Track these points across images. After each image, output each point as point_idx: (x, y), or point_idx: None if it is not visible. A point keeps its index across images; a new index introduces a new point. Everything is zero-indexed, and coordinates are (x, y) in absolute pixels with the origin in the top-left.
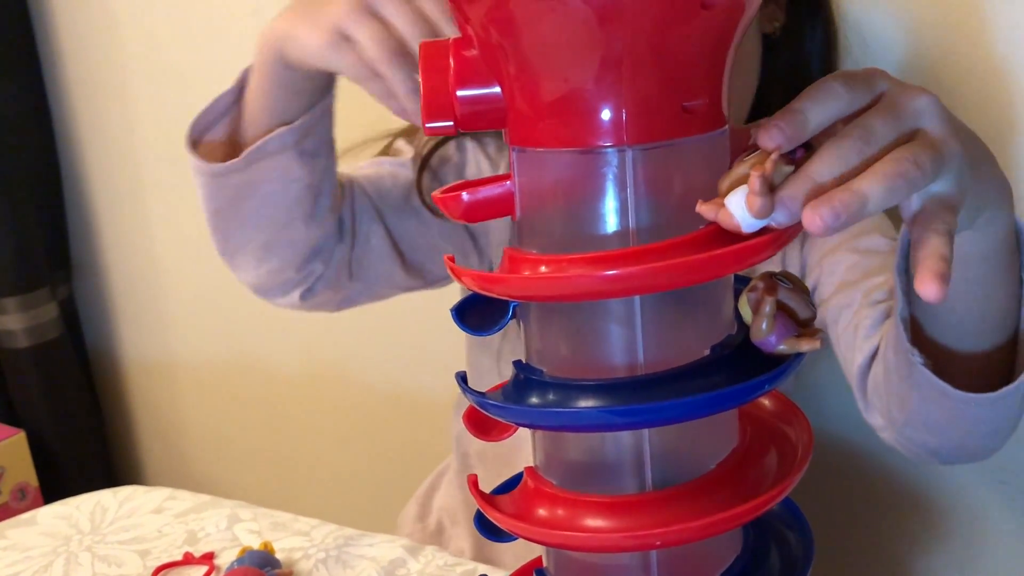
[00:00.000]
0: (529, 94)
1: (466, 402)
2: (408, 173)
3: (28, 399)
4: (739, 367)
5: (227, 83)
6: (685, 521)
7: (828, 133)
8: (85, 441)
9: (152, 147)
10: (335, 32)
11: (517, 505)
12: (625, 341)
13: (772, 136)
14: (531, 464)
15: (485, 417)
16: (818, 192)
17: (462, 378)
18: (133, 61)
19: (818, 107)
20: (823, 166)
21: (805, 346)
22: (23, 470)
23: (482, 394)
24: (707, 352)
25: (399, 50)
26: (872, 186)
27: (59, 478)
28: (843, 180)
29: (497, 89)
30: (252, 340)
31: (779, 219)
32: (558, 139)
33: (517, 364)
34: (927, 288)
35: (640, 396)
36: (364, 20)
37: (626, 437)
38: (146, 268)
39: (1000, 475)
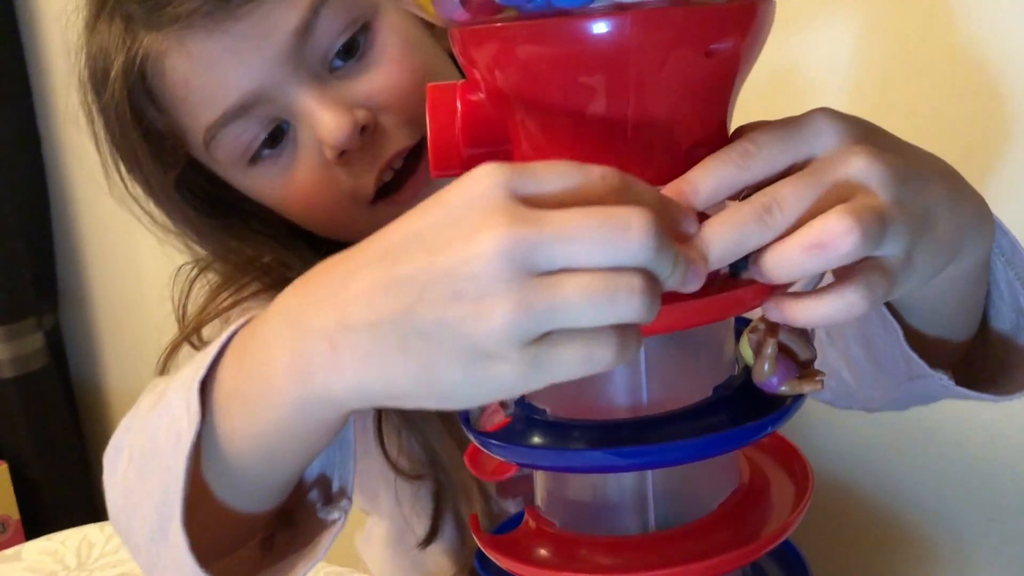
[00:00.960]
0: (536, 140)
1: None
2: None
3: (11, 430)
4: (741, 408)
5: None
6: (689, 562)
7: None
8: (68, 473)
9: None
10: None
11: (518, 545)
12: (629, 382)
13: (688, 195)
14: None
15: (485, 456)
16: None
17: (464, 419)
18: None
19: (709, 180)
20: (719, 245)
21: (807, 388)
22: (4, 503)
23: (484, 433)
24: (710, 393)
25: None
26: (784, 256)
27: (41, 511)
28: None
29: (503, 132)
30: None
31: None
32: None
33: (519, 404)
34: (770, 309)
35: (644, 438)
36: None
37: (629, 478)
38: (134, 298)
39: (990, 513)
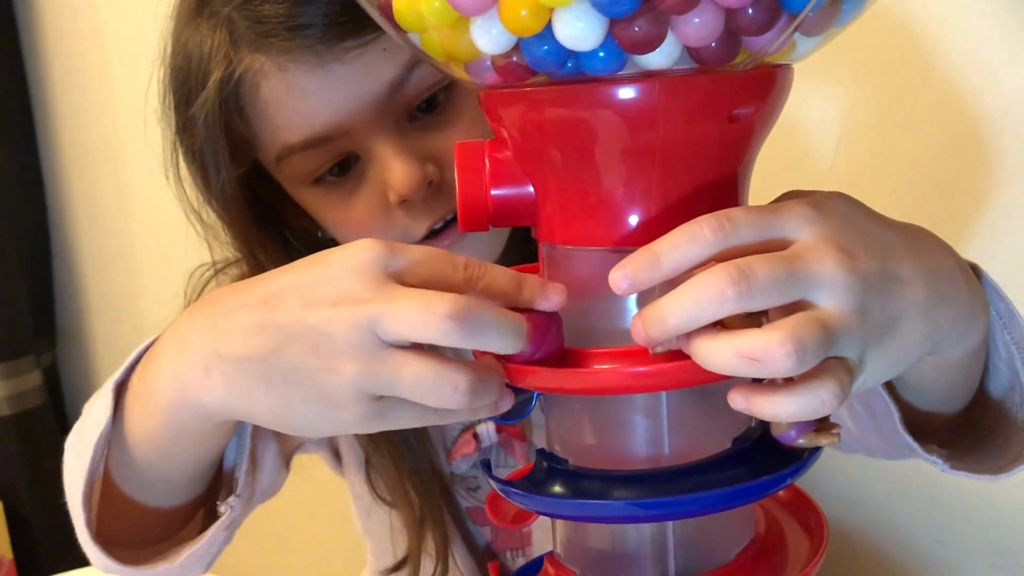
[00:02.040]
0: (562, 197)
1: None
2: None
3: (7, 468)
4: (760, 460)
5: None
6: None
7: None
8: (63, 513)
9: (144, 217)
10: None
11: None
12: (651, 433)
13: (617, 283)
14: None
15: (505, 503)
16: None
17: (487, 466)
18: (128, 131)
19: (673, 251)
20: (682, 301)
21: (824, 441)
22: None
23: (507, 482)
24: (729, 444)
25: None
26: (720, 359)
27: (34, 550)
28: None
29: (530, 189)
30: None
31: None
32: (589, 238)
33: (540, 452)
34: (733, 398)
35: (666, 489)
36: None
37: (649, 527)
38: (133, 337)
39: (992, 559)
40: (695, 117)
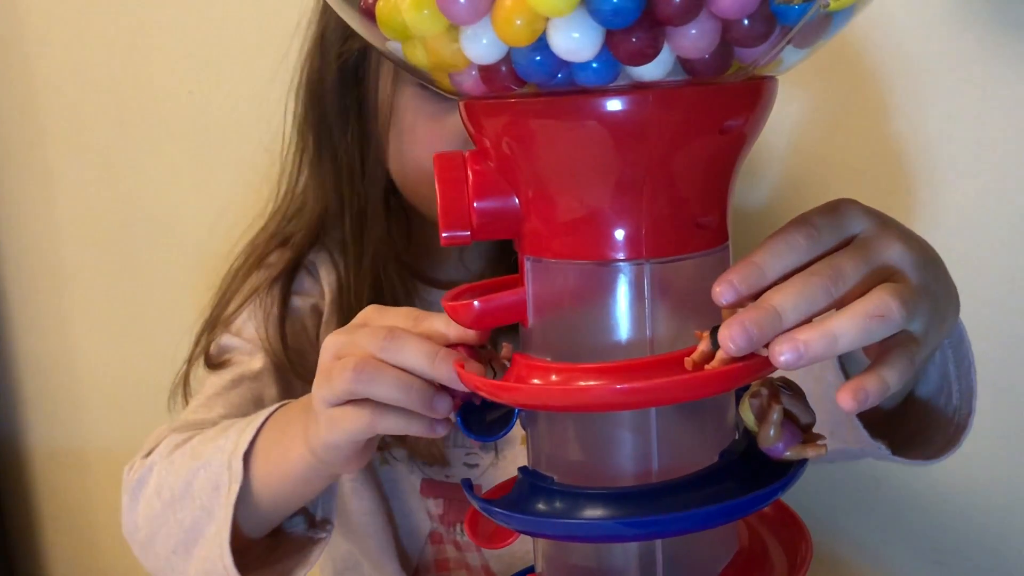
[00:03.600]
0: (549, 210)
1: None
2: (264, 386)
3: None
4: (747, 474)
5: (155, 166)
6: None
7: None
8: None
9: (72, 230)
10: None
11: None
12: (640, 449)
13: (724, 293)
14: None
15: (487, 523)
16: (775, 325)
17: (468, 485)
18: (54, 140)
19: (776, 260)
20: (787, 302)
21: (811, 452)
22: None
23: (488, 501)
24: (716, 458)
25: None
26: (846, 325)
27: None
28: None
29: (515, 201)
30: (168, 422)
31: (739, 345)
32: (576, 252)
33: (523, 471)
34: (846, 398)
35: (657, 506)
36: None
37: (638, 543)
38: (60, 353)
39: (935, 555)
40: (687, 129)
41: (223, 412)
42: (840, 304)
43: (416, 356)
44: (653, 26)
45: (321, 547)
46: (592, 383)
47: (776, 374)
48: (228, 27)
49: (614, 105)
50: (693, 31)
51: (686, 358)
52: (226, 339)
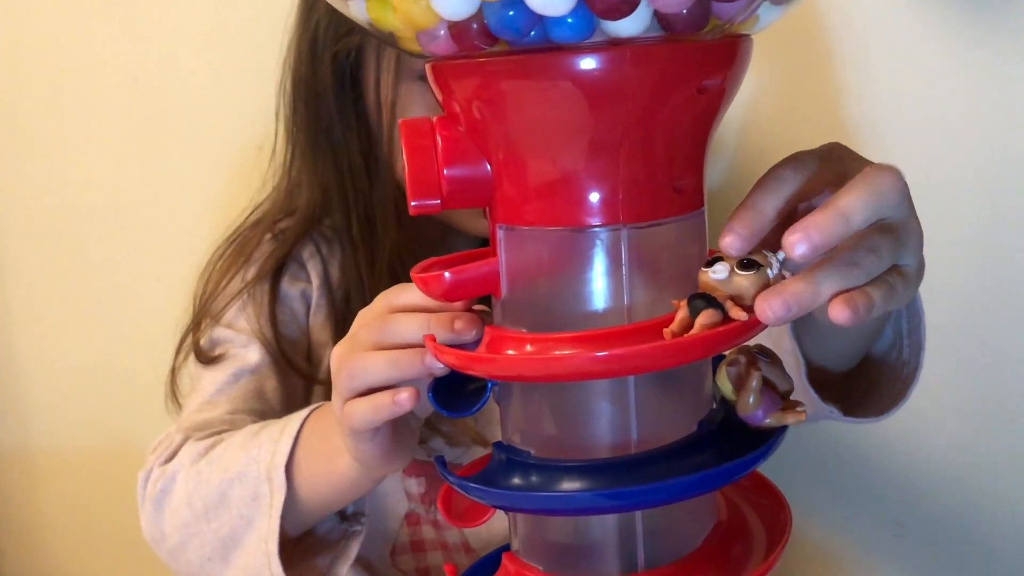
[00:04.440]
0: (522, 175)
1: None
2: (264, 378)
3: None
4: (727, 443)
5: (97, 157)
6: None
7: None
8: None
9: (10, 221)
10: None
11: None
12: (619, 420)
13: (733, 243)
14: None
15: (460, 501)
16: (814, 298)
17: (441, 462)
18: None
19: (769, 196)
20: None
21: (791, 419)
22: None
23: (463, 477)
24: (695, 429)
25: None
26: (826, 276)
27: None
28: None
29: (486, 167)
30: (123, 422)
31: (777, 315)
32: (551, 218)
33: (498, 446)
34: (839, 309)
35: (637, 477)
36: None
37: (615, 517)
38: (0, 349)
39: (895, 528)
40: (666, 87)
41: (228, 408)
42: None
43: (410, 327)
44: None
45: (358, 540)
46: (569, 352)
47: (751, 341)
48: (176, 10)
49: (591, 63)
50: None
51: (665, 329)
52: (218, 331)
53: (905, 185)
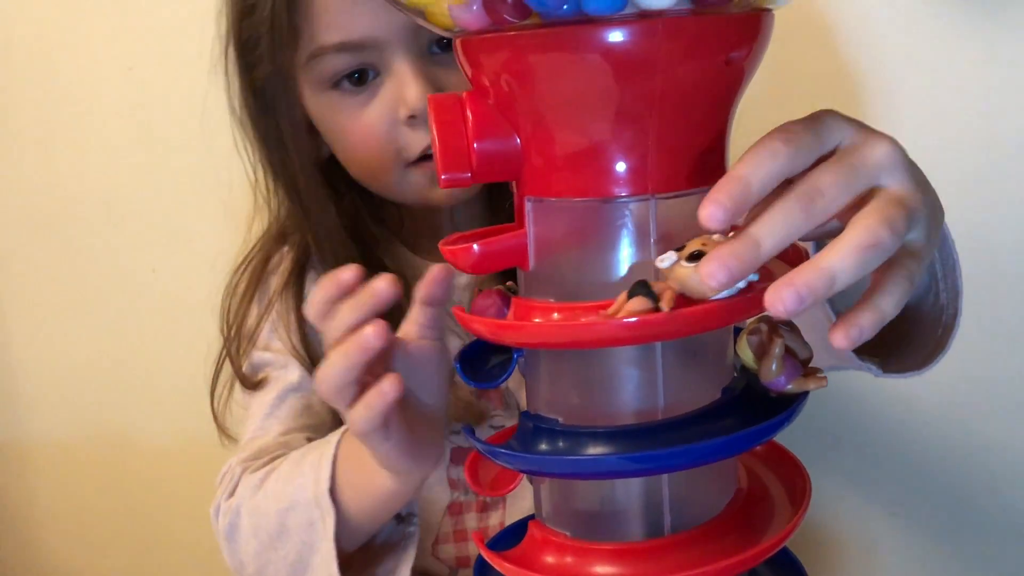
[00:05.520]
0: (552, 147)
1: None
2: (309, 393)
3: None
4: (749, 409)
5: (91, 148)
6: (708, 564)
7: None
8: None
9: (5, 214)
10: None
11: (528, 558)
12: (647, 386)
13: (713, 216)
14: None
15: (484, 469)
16: (754, 255)
17: (470, 430)
18: None
19: (759, 169)
20: (765, 230)
21: (812, 384)
22: None
23: (493, 444)
24: (719, 395)
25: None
26: (841, 262)
27: None
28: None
29: (516, 141)
30: (118, 413)
31: (720, 282)
32: (580, 189)
33: (525, 415)
34: (839, 338)
35: (666, 440)
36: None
37: (642, 484)
38: None
39: (891, 507)
40: (696, 59)
41: (280, 429)
42: (832, 218)
43: (343, 317)
44: None
45: (415, 540)
46: (596, 318)
47: None
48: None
49: (625, 35)
50: None
51: (600, 311)
52: (257, 356)
53: (902, 157)
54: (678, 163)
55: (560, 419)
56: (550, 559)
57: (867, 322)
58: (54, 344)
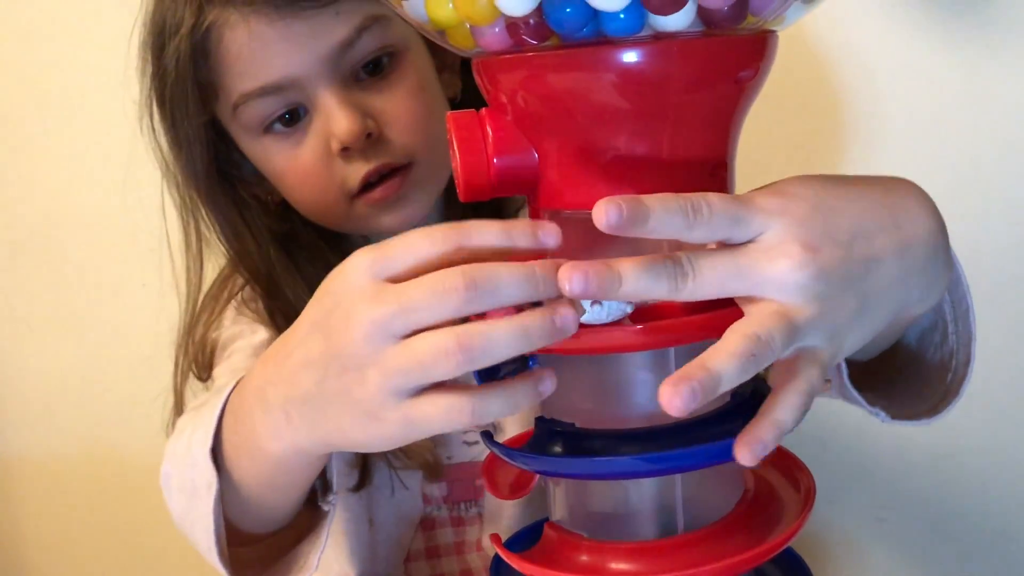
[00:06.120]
0: (569, 162)
1: None
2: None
3: None
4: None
5: (82, 161)
6: (720, 560)
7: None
8: None
9: None
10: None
11: (548, 558)
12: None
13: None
14: None
15: (501, 473)
16: (613, 286)
17: (488, 435)
18: None
19: (662, 216)
20: (631, 271)
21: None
22: None
23: (512, 448)
24: (729, 399)
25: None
26: (724, 366)
27: None
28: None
29: (534, 156)
30: (106, 430)
31: (574, 290)
32: (595, 201)
33: (540, 420)
34: (744, 456)
35: (679, 442)
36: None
37: (656, 485)
38: None
39: (879, 512)
40: (708, 78)
41: None
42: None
43: (514, 286)
44: None
45: (326, 522)
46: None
47: None
48: None
49: (642, 56)
50: None
51: None
52: (223, 347)
53: (809, 275)
54: (689, 176)
55: (576, 423)
56: (569, 558)
57: (768, 435)
58: (43, 358)
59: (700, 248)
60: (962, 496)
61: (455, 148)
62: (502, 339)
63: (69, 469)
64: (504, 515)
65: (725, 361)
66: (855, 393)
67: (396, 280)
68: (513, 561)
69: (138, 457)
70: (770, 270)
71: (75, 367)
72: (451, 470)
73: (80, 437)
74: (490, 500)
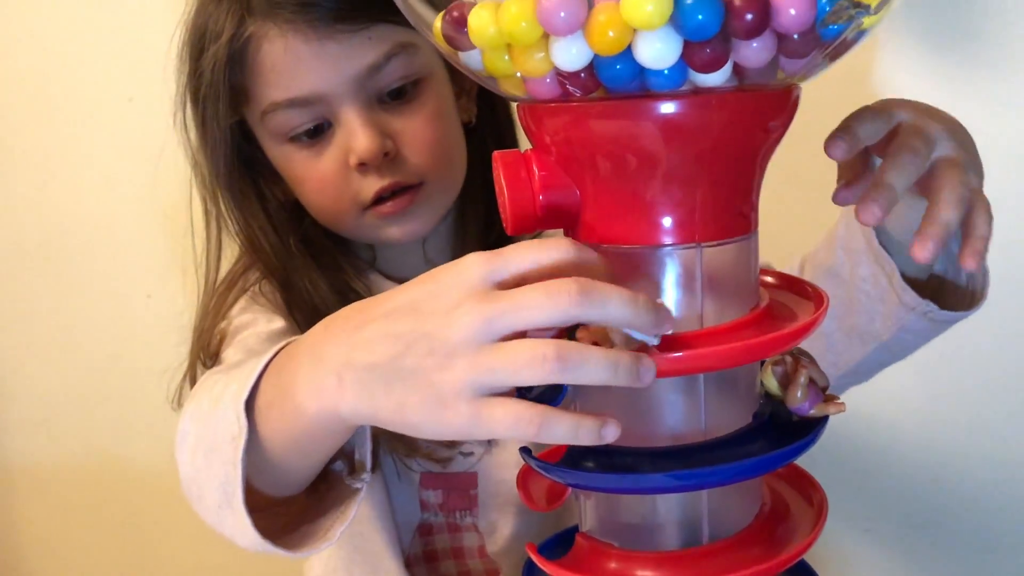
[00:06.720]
0: (609, 201)
1: None
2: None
3: None
4: (776, 432)
5: (89, 174)
6: (742, 569)
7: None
8: None
9: (1, 239)
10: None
11: (579, 566)
12: (690, 412)
13: (872, 214)
14: None
15: (535, 486)
16: (893, 198)
17: (527, 451)
18: None
19: (902, 176)
20: (892, 177)
21: (832, 409)
22: None
23: (548, 462)
24: (750, 420)
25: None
26: (897, 179)
27: None
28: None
29: (576, 193)
30: (110, 440)
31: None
32: (634, 238)
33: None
34: (921, 253)
35: (708, 460)
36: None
37: (682, 498)
38: None
39: (865, 523)
40: (743, 128)
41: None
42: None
43: (621, 306)
44: (726, 39)
45: (356, 498)
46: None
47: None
48: (172, 31)
49: (681, 107)
50: (755, 44)
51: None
52: (232, 325)
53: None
54: (721, 215)
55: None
56: (600, 565)
57: (938, 234)
58: (49, 368)
59: None
60: (949, 509)
61: (503, 185)
62: (593, 364)
63: (70, 477)
64: (499, 525)
65: (895, 175)
66: (908, 287)
67: (504, 287)
68: (549, 568)
69: (138, 466)
70: (930, 130)
71: (77, 376)
72: (447, 478)
73: (80, 445)
74: (484, 510)
